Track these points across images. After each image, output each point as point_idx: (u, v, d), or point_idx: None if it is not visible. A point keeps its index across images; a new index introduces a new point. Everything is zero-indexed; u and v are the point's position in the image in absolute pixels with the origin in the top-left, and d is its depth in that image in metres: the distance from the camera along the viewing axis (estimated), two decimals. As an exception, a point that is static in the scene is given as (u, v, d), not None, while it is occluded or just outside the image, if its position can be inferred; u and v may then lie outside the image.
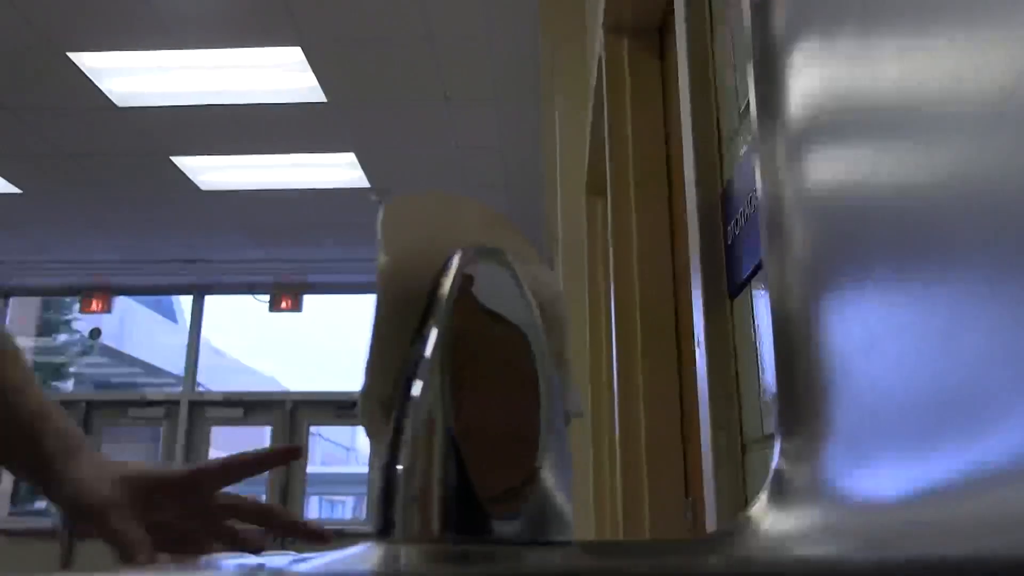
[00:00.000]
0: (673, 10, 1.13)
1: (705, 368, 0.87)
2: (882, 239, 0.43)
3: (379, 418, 0.37)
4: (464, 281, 0.37)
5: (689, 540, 0.92)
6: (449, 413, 0.34)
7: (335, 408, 7.44)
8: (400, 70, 4.26)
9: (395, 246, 0.39)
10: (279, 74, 4.32)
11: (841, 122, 0.49)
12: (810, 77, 0.55)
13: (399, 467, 0.34)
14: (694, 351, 0.92)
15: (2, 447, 0.77)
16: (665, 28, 1.92)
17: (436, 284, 0.37)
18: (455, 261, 0.38)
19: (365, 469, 7.82)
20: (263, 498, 0.89)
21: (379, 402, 0.37)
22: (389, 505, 0.34)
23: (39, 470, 0.76)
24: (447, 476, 0.34)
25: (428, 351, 0.35)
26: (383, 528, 0.34)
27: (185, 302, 8.01)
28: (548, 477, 0.35)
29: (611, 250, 1.90)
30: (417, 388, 0.35)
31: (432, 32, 3.93)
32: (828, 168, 0.52)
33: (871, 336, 0.44)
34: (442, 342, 0.35)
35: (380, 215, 0.41)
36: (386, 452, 0.35)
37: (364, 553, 0.35)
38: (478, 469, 0.34)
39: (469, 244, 0.39)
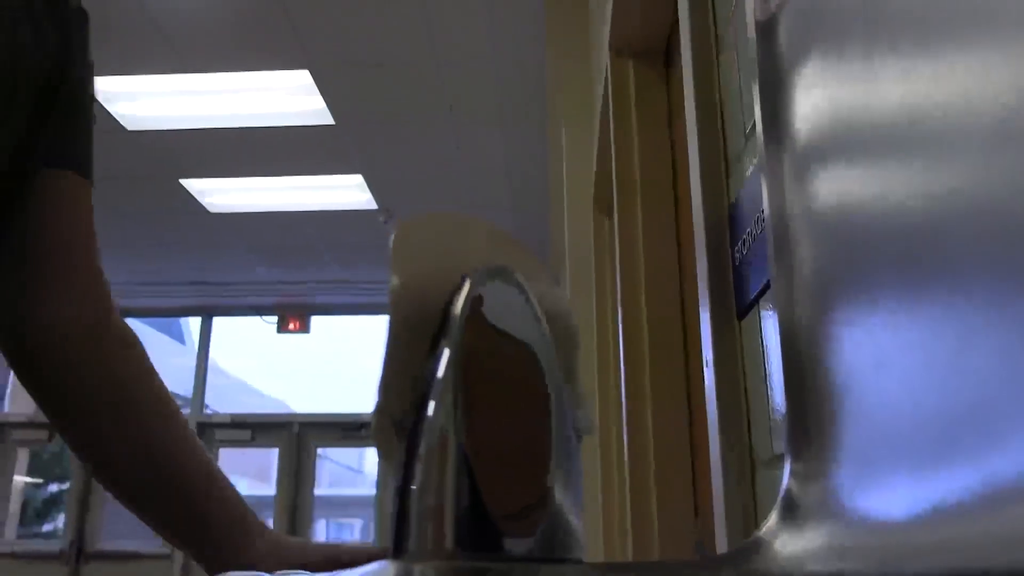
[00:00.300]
0: (678, 31, 1.14)
1: (714, 388, 0.87)
2: (889, 258, 0.43)
3: (392, 437, 0.37)
4: (475, 301, 0.37)
5: (701, 560, 0.92)
6: (461, 431, 0.35)
7: (342, 430, 7.43)
8: (407, 92, 4.30)
9: (407, 268, 0.40)
10: (287, 97, 4.36)
11: (847, 141, 0.50)
12: (815, 97, 0.56)
13: (412, 485, 0.35)
14: (702, 369, 0.92)
15: (163, 520, 0.67)
16: (671, 49, 1.94)
17: (448, 304, 0.38)
18: (466, 281, 0.38)
19: (373, 491, 7.78)
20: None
21: (392, 421, 0.37)
22: (402, 523, 0.34)
23: (208, 548, 0.66)
24: (460, 494, 0.34)
25: (440, 370, 0.36)
26: (396, 546, 0.35)
27: (193, 324, 8.03)
28: (560, 494, 0.36)
29: (618, 269, 1.90)
30: (430, 407, 0.35)
31: (439, 53, 3.96)
32: (835, 187, 0.52)
33: (880, 355, 0.44)
34: (454, 361, 0.36)
35: (392, 237, 0.42)
36: (399, 471, 0.36)
37: (378, 572, 0.35)
38: (490, 487, 0.34)
39: (480, 264, 0.40)
